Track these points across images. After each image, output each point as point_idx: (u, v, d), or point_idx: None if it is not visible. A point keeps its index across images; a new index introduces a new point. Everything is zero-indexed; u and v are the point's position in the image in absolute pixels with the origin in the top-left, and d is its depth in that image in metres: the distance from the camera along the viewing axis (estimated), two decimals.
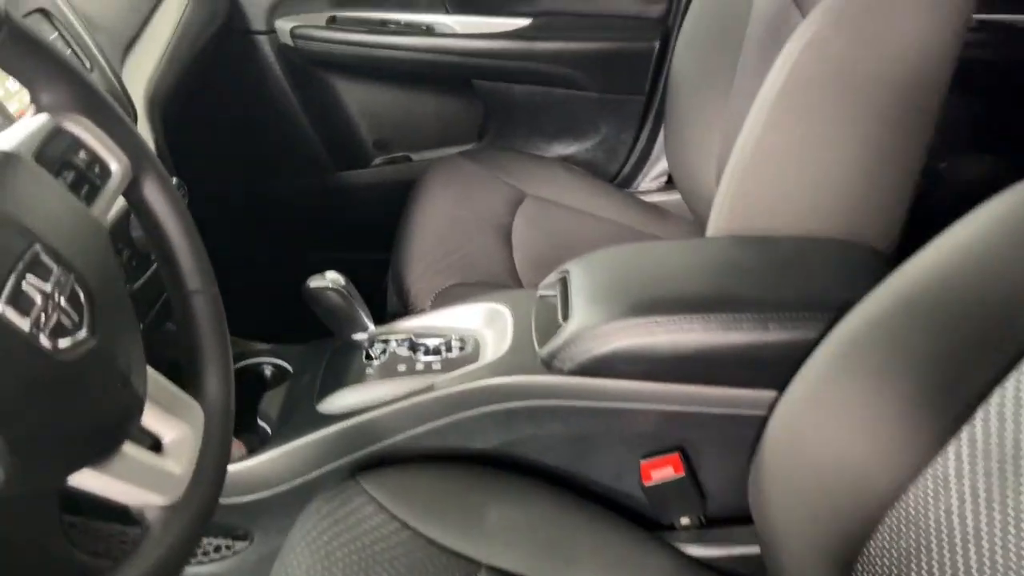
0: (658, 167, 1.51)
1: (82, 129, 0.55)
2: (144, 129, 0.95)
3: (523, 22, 1.45)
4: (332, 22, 1.48)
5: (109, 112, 0.58)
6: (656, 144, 1.49)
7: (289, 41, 1.48)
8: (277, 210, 1.69)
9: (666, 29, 1.43)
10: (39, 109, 0.55)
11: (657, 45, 1.43)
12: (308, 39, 1.47)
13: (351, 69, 1.55)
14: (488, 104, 1.58)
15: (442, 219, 1.27)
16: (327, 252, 1.44)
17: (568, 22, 1.46)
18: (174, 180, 0.91)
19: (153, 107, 1.00)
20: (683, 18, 1.31)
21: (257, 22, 1.48)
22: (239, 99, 1.56)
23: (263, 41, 1.49)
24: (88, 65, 0.87)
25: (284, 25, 1.47)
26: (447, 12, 1.48)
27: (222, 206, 1.48)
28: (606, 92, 1.49)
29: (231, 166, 1.60)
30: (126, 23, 1.03)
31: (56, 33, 0.84)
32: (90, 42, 0.89)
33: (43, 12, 0.83)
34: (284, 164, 1.65)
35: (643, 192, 1.52)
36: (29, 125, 0.53)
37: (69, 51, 0.85)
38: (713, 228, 0.89)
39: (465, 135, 1.65)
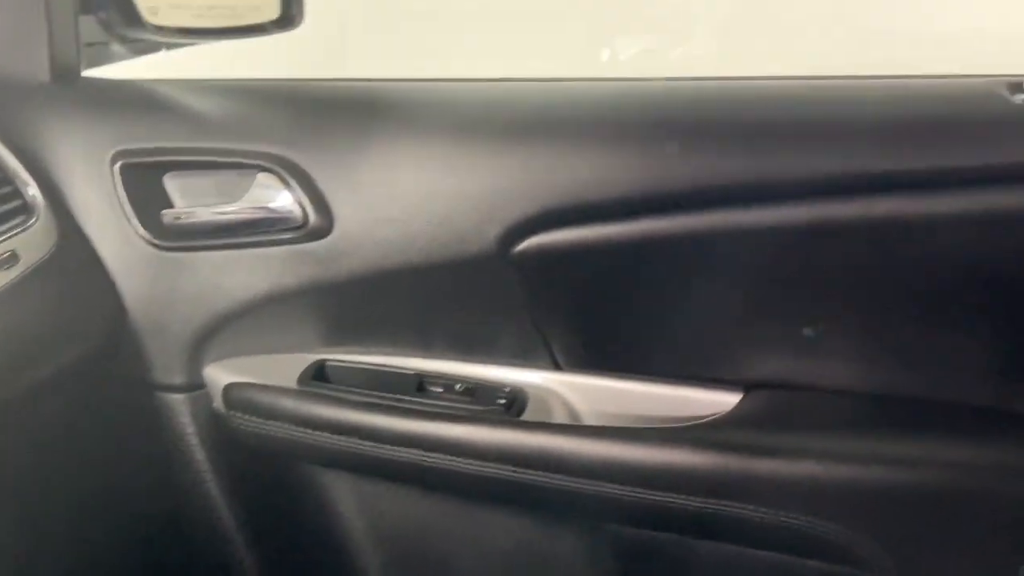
0: None
1: None
2: None
3: (732, 399, 0.64)
4: (317, 377, 0.70)
5: None
6: None
7: (221, 405, 0.70)
8: None
9: None
10: None
11: None
12: (262, 412, 0.68)
13: (344, 466, 0.75)
14: None
15: None
16: None
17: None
18: None
19: None
20: None
21: (169, 370, 0.71)
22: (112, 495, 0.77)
23: (177, 401, 0.72)
24: None
25: (218, 375, 0.70)
26: (557, 368, 0.69)
27: None
28: None
29: None
30: None
31: None
32: None
33: None
34: None
35: None
36: None
37: None
38: None
39: None
